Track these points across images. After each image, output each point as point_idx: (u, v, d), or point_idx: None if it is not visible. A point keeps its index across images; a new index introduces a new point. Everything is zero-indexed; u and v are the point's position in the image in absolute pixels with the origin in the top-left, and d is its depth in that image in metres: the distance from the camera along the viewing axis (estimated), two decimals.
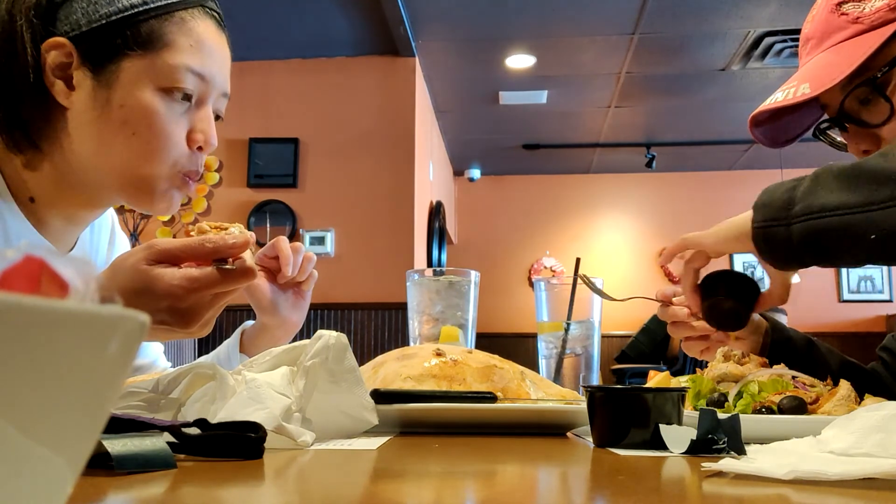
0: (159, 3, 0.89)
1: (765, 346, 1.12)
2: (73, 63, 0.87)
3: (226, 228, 0.85)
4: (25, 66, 0.87)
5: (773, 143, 1.15)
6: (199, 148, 0.94)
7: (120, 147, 0.89)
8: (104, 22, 0.87)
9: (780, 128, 1.13)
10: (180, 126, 0.91)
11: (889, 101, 0.98)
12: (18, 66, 0.87)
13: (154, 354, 1.18)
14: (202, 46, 0.92)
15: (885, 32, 0.96)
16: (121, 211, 4.30)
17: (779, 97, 1.03)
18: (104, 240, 1.12)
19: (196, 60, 0.91)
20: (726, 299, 0.97)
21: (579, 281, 1.18)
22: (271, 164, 4.75)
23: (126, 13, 0.87)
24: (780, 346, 1.11)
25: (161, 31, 0.89)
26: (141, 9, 0.88)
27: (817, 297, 7.10)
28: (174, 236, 0.89)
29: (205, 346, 4.22)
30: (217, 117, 0.98)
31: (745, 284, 0.98)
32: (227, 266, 0.80)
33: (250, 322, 1.16)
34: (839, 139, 1.10)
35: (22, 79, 0.87)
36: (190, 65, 0.90)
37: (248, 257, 0.82)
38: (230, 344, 1.14)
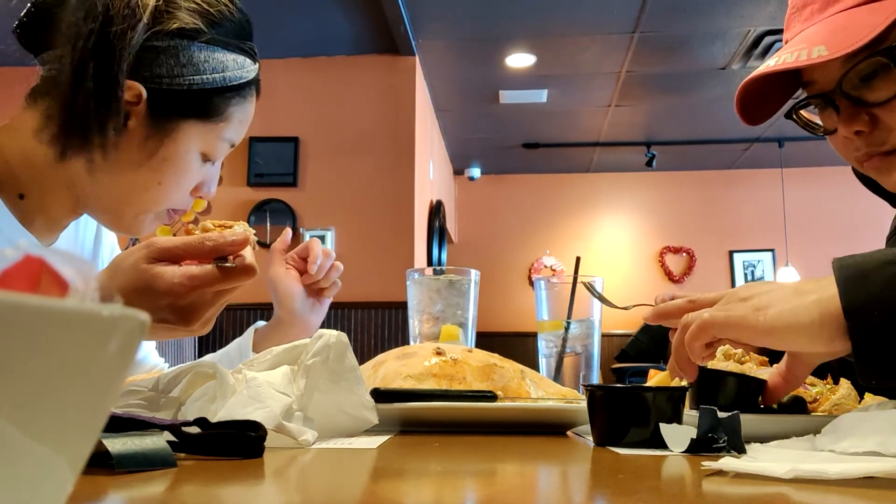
0: (234, 83, 0.93)
1: None
2: (137, 107, 0.89)
3: (230, 227, 0.86)
4: (99, 92, 0.86)
5: (749, 120, 1.04)
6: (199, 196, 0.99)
7: (141, 189, 0.92)
8: (184, 87, 0.89)
9: (755, 103, 1.03)
10: (197, 180, 0.97)
11: None
12: (96, 92, 0.86)
13: (144, 350, 1.18)
14: (245, 120, 0.98)
15: None
16: None
17: (787, 58, 0.92)
18: (90, 234, 1.12)
19: (237, 135, 0.97)
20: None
21: (582, 286, 1.19)
22: (271, 163, 4.75)
23: (206, 87, 0.90)
24: None
25: (226, 106, 0.93)
26: (220, 86, 0.91)
27: None
28: (174, 235, 0.89)
29: (205, 345, 4.22)
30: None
31: (748, 390, 0.77)
32: (228, 264, 0.80)
33: (262, 322, 1.17)
34: (816, 121, 1.00)
35: (94, 102, 0.86)
36: (232, 139, 0.96)
37: (249, 255, 0.82)
38: (242, 343, 1.14)
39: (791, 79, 0.99)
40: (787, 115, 1.03)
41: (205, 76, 0.90)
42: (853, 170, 1.04)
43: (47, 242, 1.02)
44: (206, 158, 0.95)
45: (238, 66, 0.93)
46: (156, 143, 0.90)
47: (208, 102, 0.91)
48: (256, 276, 0.83)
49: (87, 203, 0.96)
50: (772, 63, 0.94)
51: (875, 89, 0.91)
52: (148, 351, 1.19)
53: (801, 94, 1.01)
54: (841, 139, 0.97)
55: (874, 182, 1.02)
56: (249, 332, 1.14)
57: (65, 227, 1.03)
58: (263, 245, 1.04)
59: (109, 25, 0.85)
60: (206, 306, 0.82)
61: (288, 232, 1.15)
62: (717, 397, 0.77)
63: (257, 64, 0.97)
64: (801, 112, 1.01)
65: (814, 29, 0.95)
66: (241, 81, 0.93)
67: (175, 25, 0.88)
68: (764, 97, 1.02)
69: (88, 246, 1.12)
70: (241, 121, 0.97)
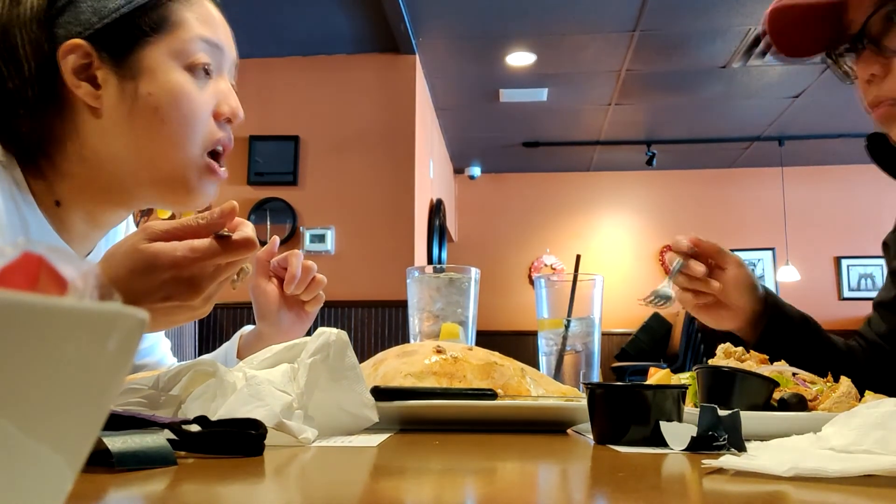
0: None
1: (760, 319, 1.14)
2: (93, 63, 0.87)
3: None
4: (24, 79, 0.86)
5: (790, 51, 1.03)
6: (228, 120, 0.94)
7: (151, 138, 0.89)
8: (116, 15, 0.87)
9: (795, 37, 1.03)
10: (207, 103, 0.92)
11: None
12: (17, 81, 0.86)
13: (161, 353, 1.18)
14: (209, 18, 0.93)
15: None
16: None
17: None
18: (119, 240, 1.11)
19: (207, 31, 0.92)
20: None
21: (581, 284, 1.19)
22: (271, 162, 4.75)
23: (135, 2, 0.88)
24: (777, 322, 1.12)
25: (169, 11, 0.90)
26: None
27: (818, 295, 7.10)
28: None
29: (206, 344, 4.23)
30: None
31: (758, 389, 0.78)
32: (226, 232, 0.79)
33: (249, 327, 1.16)
34: (847, 67, 1.01)
35: (20, 92, 0.86)
36: (203, 35, 0.91)
37: (250, 230, 0.81)
38: (228, 347, 1.13)
39: (835, 17, 0.98)
40: (825, 57, 1.03)
41: None
42: (868, 147, 1.05)
43: (87, 248, 1.00)
44: (193, 70, 0.90)
45: None
46: (132, 84, 0.88)
47: (148, 17, 0.88)
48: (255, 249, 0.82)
49: (118, 184, 0.91)
50: None
51: (894, 37, 0.92)
52: (164, 353, 1.19)
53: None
54: (860, 84, 0.98)
55: (882, 153, 1.03)
56: (235, 339, 1.14)
57: (109, 227, 1.01)
58: (264, 244, 1.03)
59: (17, 5, 0.86)
60: (208, 280, 0.79)
61: (276, 240, 1.10)
62: (729, 396, 0.76)
63: None
64: (839, 59, 1.01)
65: None
66: None
67: None
68: (805, 29, 1.01)
69: None
70: (200, 18, 0.92)
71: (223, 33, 0.96)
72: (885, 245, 1.22)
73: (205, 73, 0.92)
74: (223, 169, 0.95)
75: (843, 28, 0.99)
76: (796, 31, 1.02)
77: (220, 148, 0.94)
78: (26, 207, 0.89)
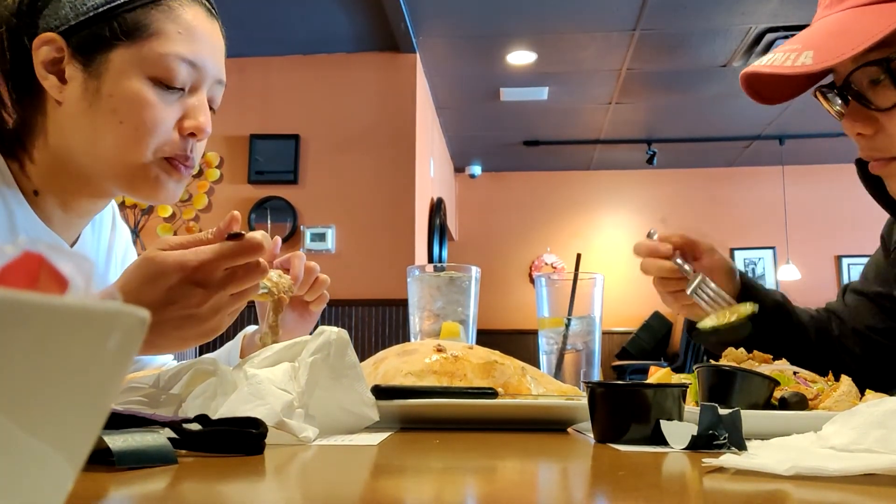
0: None
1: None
2: (64, 57, 0.88)
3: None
4: (5, 71, 0.88)
5: (763, 100, 1.02)
6: (192, 135, 0.93)
7: (109, 135, 0.89)
8: (91, 14, 0.87)
9: (774, 83, 1.00)
10: (170, 113, 0.91)
11: None
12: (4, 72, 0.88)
13: (163, 357, 1.18)
14: (192, 33, 0.91)
15: None
16: (122, 207, 4.30)
17: (777, 59, 0.91)
18: (105, 230, 1.12)
19: (186, 48, 0.90)
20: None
21: (582, 282, 1.19)
22: (272, 161, 4.75)
23: (112, 3, 0.88)
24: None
25: (147, 20, 0.89)
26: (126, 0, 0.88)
27: (819, 294, 7.10)
28: (174, 233, 0.88)
29: (208, 345, 4.22)
30: (211, 106, 0.98)
31: (758, 388, 0.77)
32: (240, 231, 0.79)
33: (252, 327, 1.16)
34: (838, 107, 0.97)
35: (12, 83, 0.88)
36: (180, 52, 0.90)
37: (259, 234, 0.81)
38: (231, 348, 1.13)
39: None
40: (814, 94, 0.99)
41: None
42: (857, 169, 1.03)
43: (71, 235, 1.01)
44: (160, 83, 0.89)
45: None
46: (95, 83, 0.88)
47: (122, 21, 0.88)
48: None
49: (84, 175, 0.93)
50: (764, 61, 0.93)
51: (880, 95, 0.89)
52: (166, 357, 1.19)
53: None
54: (853, 137, 0.96)
55: (873, 184, 1.02)
56: (238, 339, 1.14)
57: (89, 216, 1.02)
58: None
59: None
60: (216, 286, 0.78)
61: (277, 241, 1.10)
62: (727, 396, 0.76)
63: None
64: (829, 95, 0.97)
65: (819, 27, 0.93)
66: None
67: None
68: (778, 81, 0.98)
69: (105, 240, 1.11)
70: (182, 32, 0.90)
71: (207, 50, 0.94)
72: (883, 238, 1.21)
73: (175, 87, 0.91)
74: (186, 168, 0.94)
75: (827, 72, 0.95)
76: (775, 87, 1.00)
77: (175, 159, 0.93)
78: (12, 197, 0.91)
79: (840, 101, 0.94)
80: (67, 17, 0.88)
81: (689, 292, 1.12)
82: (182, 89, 0.92)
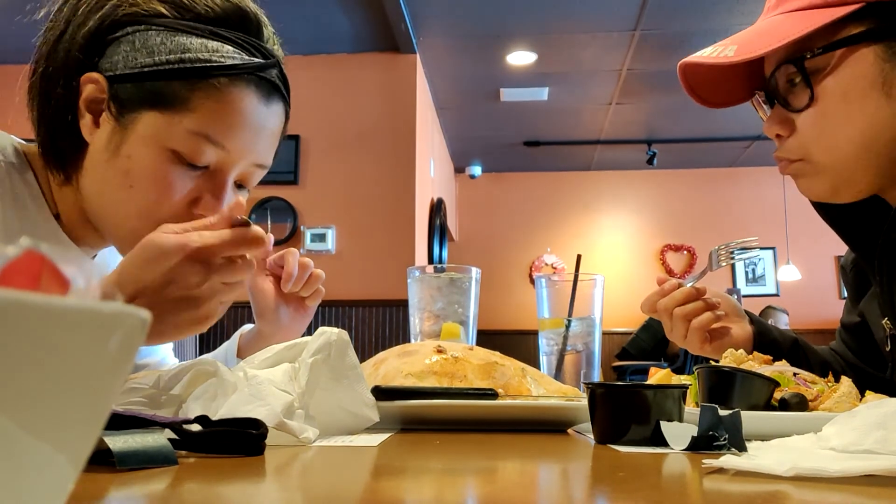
0: (196, 66, 0.85)
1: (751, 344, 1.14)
2: (104, 101, 0.86)
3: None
4: (59, 97, 0.87)
5: (702, 101, 1.05)
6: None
7: (117, 194, 0.87)
8: (136, 71, 0.85)
9: (710, 83, 1.04)
10: (184, 190, 0.87)
11: (810, 88, 0.89)
12: (57, 97, 0.87)
13: (162, 353, 1.18)
14: (231, 116, 0.87)
15: (835, 13, 0.85)
16: None
17: (706, 52, 0.93)
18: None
19: (218, 130, 0.86)
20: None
21: (582, 283, 1.19)
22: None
23: (158, 67, 0.84)
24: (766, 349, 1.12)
25: (186, 93, 0.85)
26: (174, 67, 0.84)
27: (819, 294, 7.10)
28: None
29: (206, 343, 4.22)
30: (241, 186, 0.94)
31: (759, 389, 0.78)
32: (245, 219, 0.79)
33: (249, 326, 1.16)
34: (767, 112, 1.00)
35: (59, 110, 0.87)
36: (208, 133, 0.85)
37: (262, 231, 0.81)
38: (228, 347, 1.14)
39: (751, 72, 0.98)
40: (752, 103, 1.04)
41: (157, 57, 0.84)
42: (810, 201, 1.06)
43: (89, 255, 1.00)
44: (182, 159, 0.85)
45: (207, 51, 0.85)
46: (119, 139, 0.86)
47: (163, 88, 0.84)
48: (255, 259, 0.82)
49: (93, 221, 0.92)
50: (697, 54, 0.95)
51: (796, 96, 0.92)
52: (165, 353, 1.19)
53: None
54: (772, 138, 0.98)
55: (825, 210, 1.05)
56: (235, 338, 1.14)
57: (96, 249, 1.01)
58: None
59: (72, 16, 0.87)
60: (215, 271, 0.77)
61: (270, 238, 1.10)
62: (727, 397, 0.76)
63: (258, 59, 0.91)
64: (764, 103, 1.00)
65: (758, 24, 0.95)
66: (208, 65, 0.85)
67: (132, 10, 0.86)
68: (718, 84, 1.03)
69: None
70: (220, 113, 0.86)
71: (248, 135, 0.89)
72: (843, 269, 1.22)
73: (197, 167, 0.88)
74: None
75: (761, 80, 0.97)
76: (711, 86, 1.02)
77: None
78: (36, 209, 0.90)
79: (767, 106, 0.97)
80: (117, 65, 0.85)
81: (714, 270, 1.17)
82: (206, 167, 0.88)
